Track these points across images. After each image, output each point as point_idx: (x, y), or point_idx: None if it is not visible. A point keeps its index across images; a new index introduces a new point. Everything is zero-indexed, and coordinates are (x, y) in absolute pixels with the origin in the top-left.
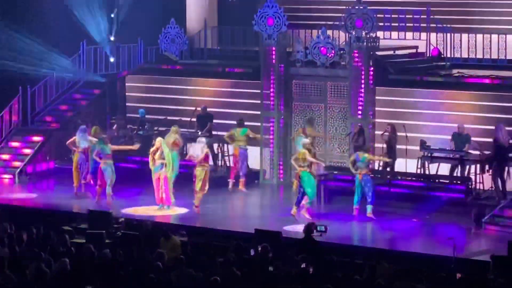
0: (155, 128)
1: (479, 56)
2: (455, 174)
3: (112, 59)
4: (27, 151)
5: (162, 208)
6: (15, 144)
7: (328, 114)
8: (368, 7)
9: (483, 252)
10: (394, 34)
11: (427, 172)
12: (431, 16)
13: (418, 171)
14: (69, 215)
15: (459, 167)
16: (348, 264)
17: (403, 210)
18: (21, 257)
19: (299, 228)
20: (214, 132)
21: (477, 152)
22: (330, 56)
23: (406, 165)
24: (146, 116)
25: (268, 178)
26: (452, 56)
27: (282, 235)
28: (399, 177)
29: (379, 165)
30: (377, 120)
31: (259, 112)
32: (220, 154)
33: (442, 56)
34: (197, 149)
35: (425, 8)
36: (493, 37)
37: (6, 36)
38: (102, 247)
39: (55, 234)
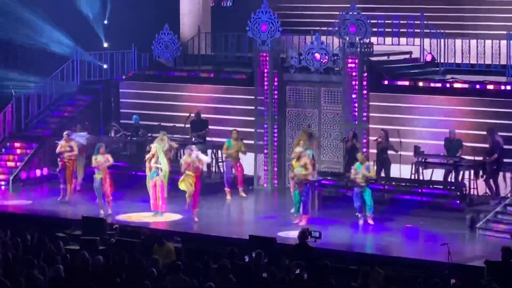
0: (149, 134)
1: (473, 61)
2: (449, 180)
3: (105, 66)
4: (21, 157)
5: (156, 215)
6: (9, 150)
7: (322, 119)
8: (362, 13)
9: (477, 258)
10: (388, 40)
11: (421, 178)
12: (425, 22)
13: (412, 177)
14: (63, 222)
15: (453, 172)
16: (343, 270)
17: (398, 216)
18: (15, 264)
19: (293, 234)
20: (208, 138)
21: (479, 158)
22: (323, 62)
23: (400, 170)
24: (140, 122)
25: (262, 184)
26: (446, 61)
27: (276, 241)
28: (393, 183)
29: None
30: (371, 125)
31: (253, 118)
32: (214, 160)
33: (436, 61)
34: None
35: (419, 14)
36: (487, 42)
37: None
38: (96, 253)
39: (49, 240)
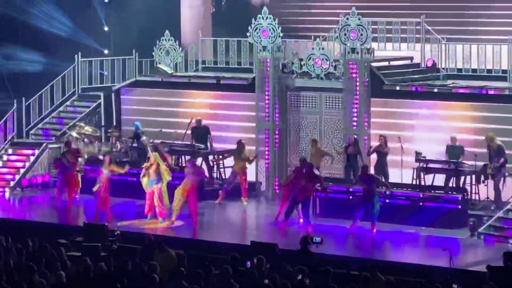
0: (151, 140)
1: (474, 66)
2: (450, 185)
3: (105, 72)
4: (22, 164)
5: (152, 219)
6: (10, 157)
7: (323, 125)
8: (363, 18)
9: (479, 263)
10: (389, 45)
11: (422, 183)
12: (426, 27)
13: (414, 182)
14: (64, 228)
15: (454, 177)
16: (344, 275)
17: (399, 221)
18: (17, 270)
19: (295, 240)
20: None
21: (481, 163)
22: (324, 67)
23: (401, 176)
24: (141, 129)
25: (263, 189)
26: (447, 66)
27: (278, 247)
28: (395, 188)
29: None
30: (372, 131)
31: (254, 124)
32: (215, 167)
33: (437, 66)
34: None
35: (419, 19)
36: (488, 47)
37: None
38: (97, 260)
39: (51, 247)
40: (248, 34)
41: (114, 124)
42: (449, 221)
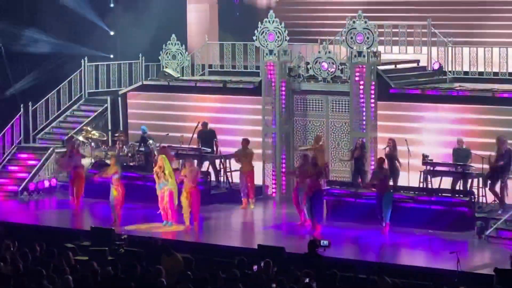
0: (158, 144)
1: (480, 69)
2: (457, 188)
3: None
4: (29, 169)
5: (166, 225)
6: (17, 162)
7: (329, 129)
8: (369, 22)
9: (487, 266)
10: (395, 48)
11: (429, 186)
12: (432, 30)
13: (421, 185)
14: (71, 232)
15: (461, 180)
16: (352, 279)
17: (406, 224)
18: (24, 275)
19: (303, 243)
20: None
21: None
22: (331, 71)
23: (408, 179)
24: (148, 132)
25: (270, 193)
26: (454, 69)
27: (285, 250)
28: (402, 191)
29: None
30: (378, 134)
31: (260, 128)
32: (222, 170)
33: (444, 69)
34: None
35: (426, 22)
36: (494, 50)
37: None
38: (104, 264)
39: (58, 251)
40: (254, 37)
41: (121, 128)
42: (456, 224)
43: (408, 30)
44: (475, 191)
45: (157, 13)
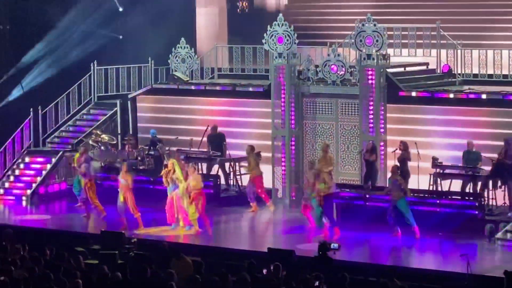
0: (167, 148)
1: (490, 72)
2: (467, 191)
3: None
4: (39, 172)
5: (176, 228)
6: (27, 166)
7: (339, 132)
8: (378, 24)
9: (497, 268)
10: (405, 51)
11: (439, 189)
12: (441, 33)
13: (431, 188)
14: (81, 236)
15: (471, 183)
16: (362, 282)
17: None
18: (35, 279)
19: (313, 246)
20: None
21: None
22: (340, 74)
23: (418, 182)
24: (157, 136)
25: (280, 196)
26: (463, 72)
27: (295, 253)
28: (412, 194)
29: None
30: (388, 137)
31: (270, 131)
32: (232, 174)
33: (453, 72)
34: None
35: (435, 25)
36: (504, 52)
37: None
38: (114, 267)
39: (69, 255)
40: (263, 41)
41: (130, 131)
42: (466, 227)
43: (417, 33)
44: (485, 193)
45: (167, 16)
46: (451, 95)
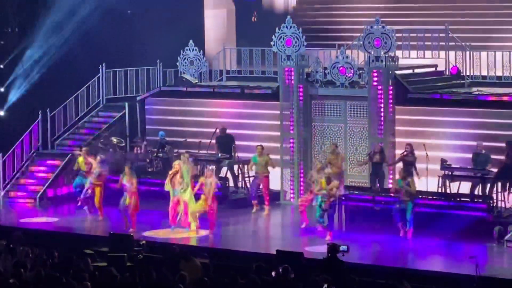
0: (175, 150)
1: (499, 73)
2: (476, 193)
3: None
4: (48, 175)
5: (174, 230)
6: (35, 168)
7: (347, 134)
8: (387, 26)
9: (506, 270)
10: (413, 53)
11: (448, 191)
12: (450, 34)
13: (439, 190)
14: (90, 238)
15: (480, 185)
16: (371, 284)
17: (425, 229)
18: (43, 281)
19: (321, 248)
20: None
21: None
22: (349, 76)
23: (427, 184)
24: (166, 138)
25: (288, 198)
26: (472, 74)
27: (304, 256)
28: (420, 196)
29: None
30: (397, 139)
31: (278, 133)
32: (240, 176)
33: (462, 74)
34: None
35: (443, 27)
36: None
37: None
38: (123, 270)
39: (77, 257)
40: (272, 43)
41: (139, 134)
42: (475, 229)
43: (425, 35)
44: (494, 195)
45: (175, 19)
46: (460, 97)
